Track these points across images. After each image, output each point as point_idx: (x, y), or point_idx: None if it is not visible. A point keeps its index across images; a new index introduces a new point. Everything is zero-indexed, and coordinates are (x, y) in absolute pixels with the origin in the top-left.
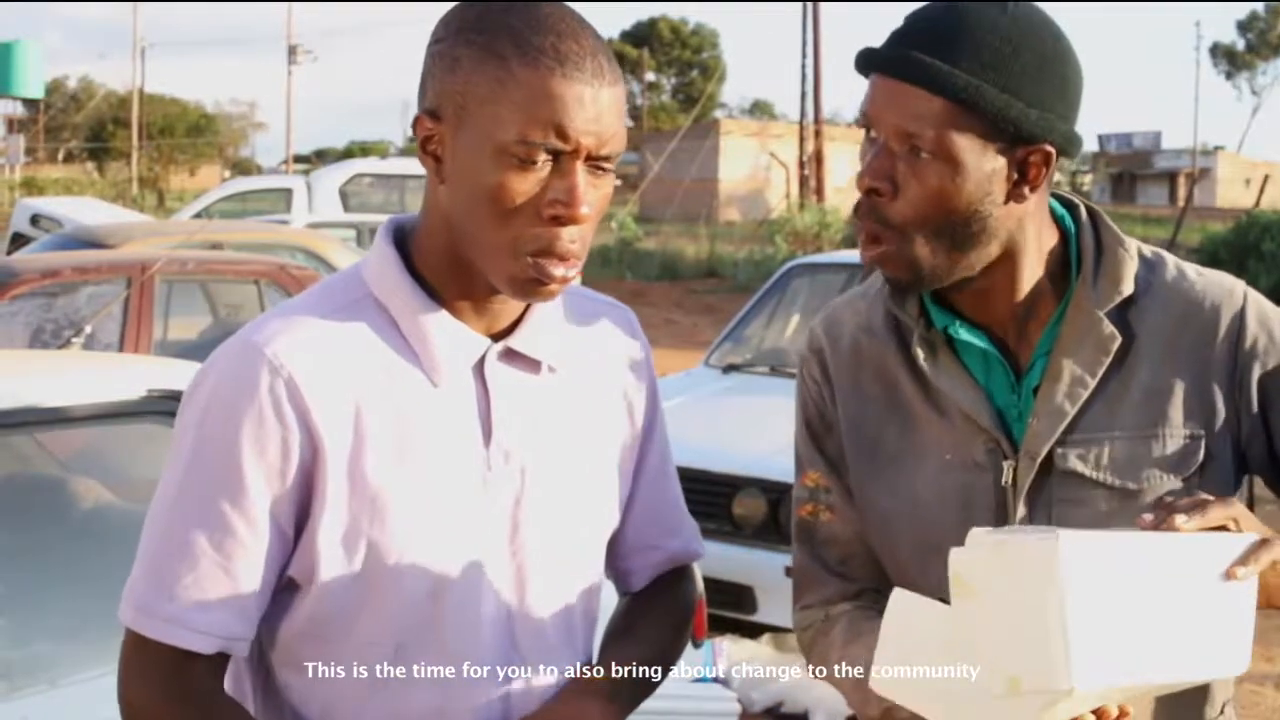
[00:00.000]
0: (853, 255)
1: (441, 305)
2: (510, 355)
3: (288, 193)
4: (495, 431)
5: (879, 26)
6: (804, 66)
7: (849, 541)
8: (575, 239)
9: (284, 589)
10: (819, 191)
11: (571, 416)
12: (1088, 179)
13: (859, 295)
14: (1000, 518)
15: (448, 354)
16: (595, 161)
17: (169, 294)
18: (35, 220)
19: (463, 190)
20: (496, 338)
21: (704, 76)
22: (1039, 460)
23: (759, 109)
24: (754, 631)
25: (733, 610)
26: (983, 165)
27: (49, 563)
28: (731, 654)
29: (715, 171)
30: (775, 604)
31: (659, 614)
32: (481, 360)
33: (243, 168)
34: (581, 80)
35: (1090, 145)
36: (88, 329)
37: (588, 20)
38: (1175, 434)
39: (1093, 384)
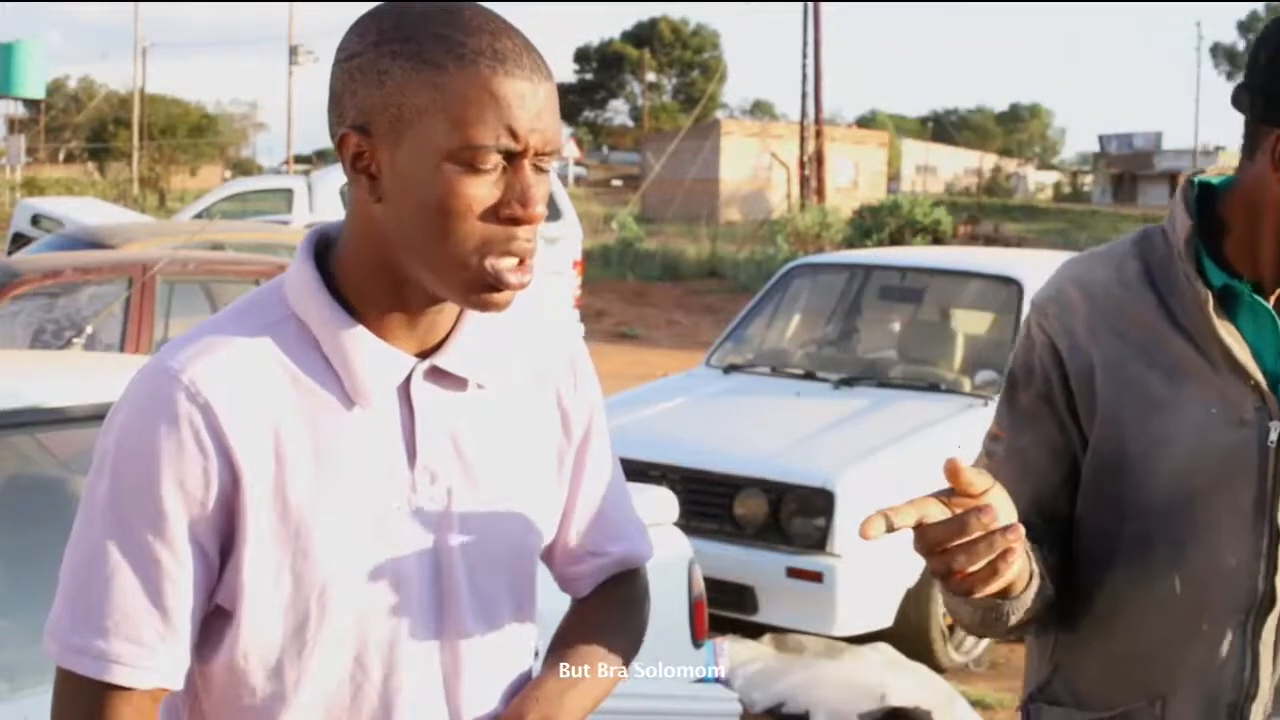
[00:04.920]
0: (854, 255)
1: (364, 324)
2: (436, 373)
3: (289, 193)
4: (420, 453)
5: (880, 27)
6: (805, 67)
7: (1031, 491)
8: (530, 238)
9: (213, 617)
10: (820, 192)
11: (500, 432)
12: (1089, 179)
13: (1105, 253)
14: (1262, 478)
15: (370, 375)
16: (537, 159)
17: (170, 294)
18: (36, 220)
19: (407, 204)
20: (423, 355)
21: (705, 77)
22: None
23: (760, 109)
24: (755, 632)
25: (734, 611)
26: None
27: (50, 564)
28: (733, 654)
29: (716, 172)
30: (776, 604)
31: (611, 619)
32: (407, 380)
33: (244, 168)
34: (522, 77)
35: (1091, 146)
36: (89, 329)
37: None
38: None
39: None
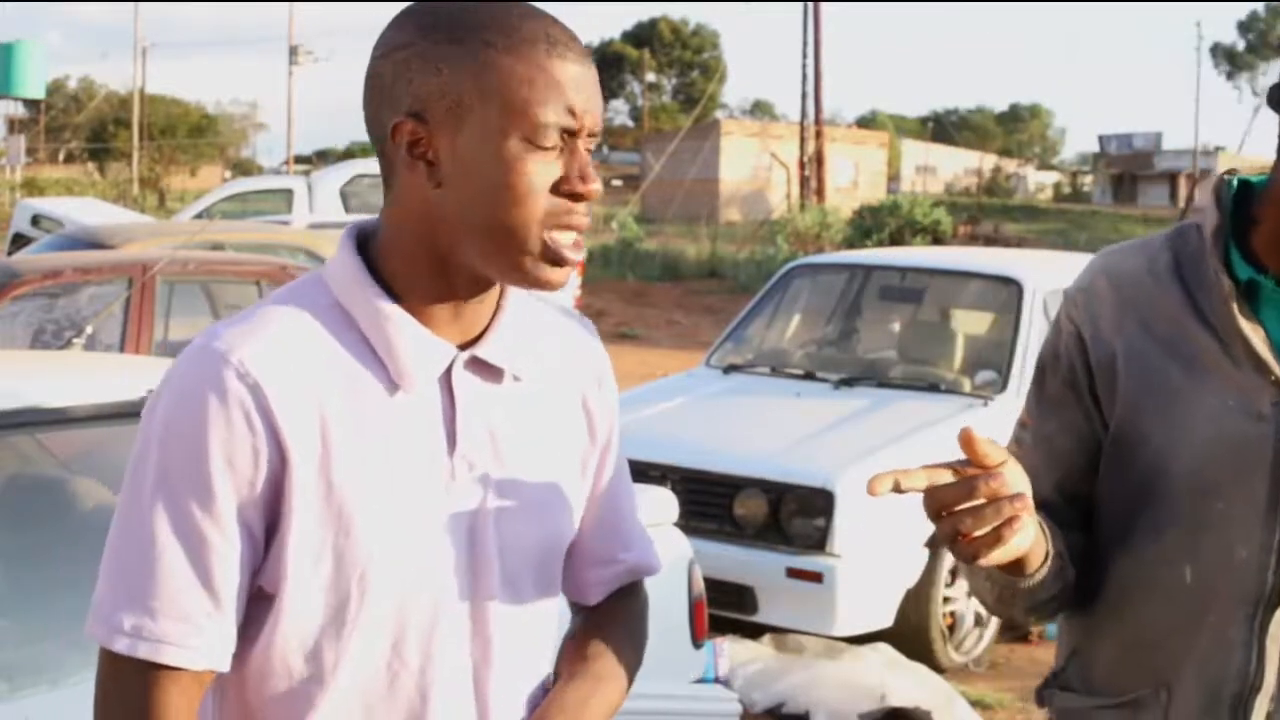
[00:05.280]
0: (854, 255)
1: (408, 312)
2: (475, 364)
3: (289, 193)
4: (459, 441)
5: (880, 27)
6: (804, 67)
7: (1054, 479)
8: (587, 214)
9: (253, 599)
10: (820, 192)
11: (533, 426)
12: (1088, 180)
13: (1139, 245)
14: (1275, 471)
15: (414, 361)
16: (587, 140)
17: (170, 294)
18: (36, 220)
19: (471, 186)
20: (463, 346)
21: (705, 77)
22: None
23: (760, 109)
24: (755, 632)
25: (734, 611)
26: None
27: (50, 564)
28: (733, 654)
29: (716, 172)
30: (776, 604)
31: (621, 631)
32: (448, 369)
33: (244, 168)
34: (575, 60)
35: (1091, 146)
36: (89, 329)
37: None
38: None
39: None
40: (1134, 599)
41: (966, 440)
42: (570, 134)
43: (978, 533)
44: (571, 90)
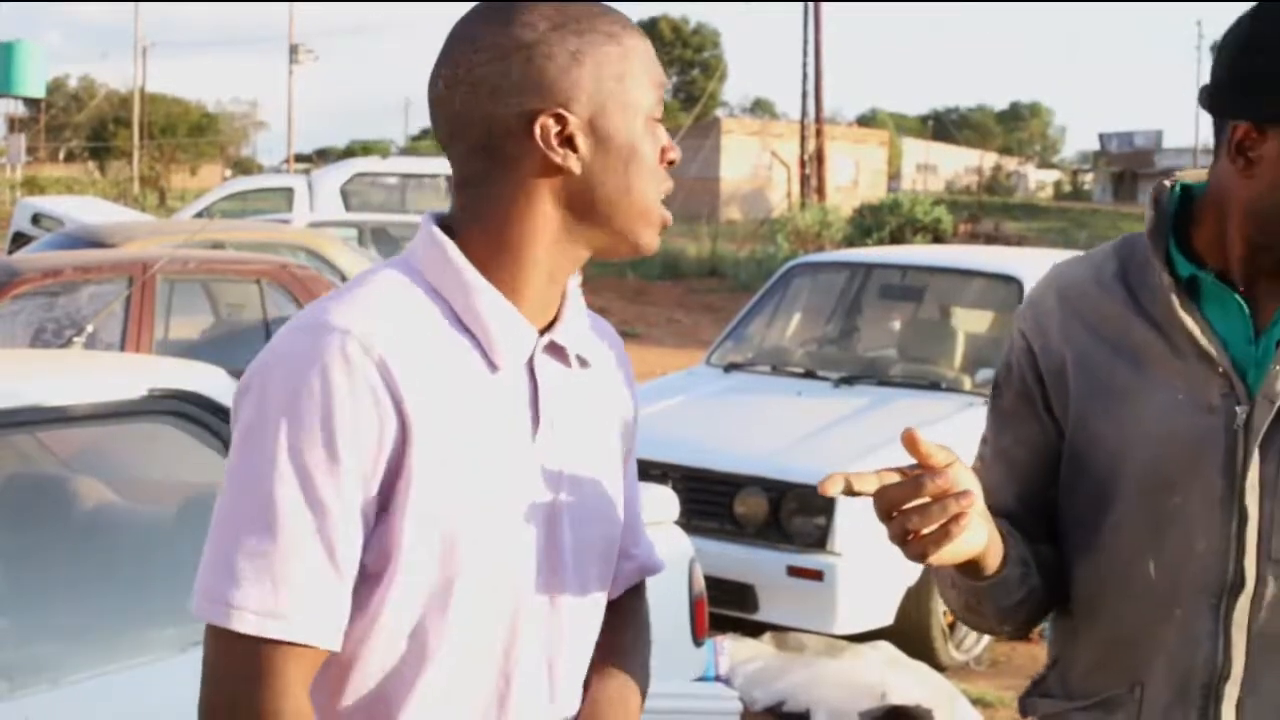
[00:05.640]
0: (854, 254)
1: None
2: (552, 348)
3: (289, 192)
4: (542, 424)
5: (880, 25)
6: (805, 65)
7: (986, 491)
8: None
9: (359, 578)
10: (820, 190)
11: (595, 414)
12: (1089, 178)
13: (1087, 255)
14: (1230, 462)
15: (507, 343)
16: None
17: (170, 293)
18: (36, 219)
19: (615, 163)
20: (540, 331)
21: (705, 75)
22: (1277, 405)
23: (760, 108)
24: (755, 630)
25: (734, 609)
26: None
27: (51, 562)
28: (733, 653)
29: (717, 170)
30: (777, 603)
31: (640, 631)
32: (532, 353)
33: (244, 167)
34: (649, 41)
35: (1091, 144)
36: (89, 328)
37: None
38: None
39: None
40: (1103, 600)
41: (910, 441)
42: (662, 104)
43: (925, 530)
44: (657, 65)
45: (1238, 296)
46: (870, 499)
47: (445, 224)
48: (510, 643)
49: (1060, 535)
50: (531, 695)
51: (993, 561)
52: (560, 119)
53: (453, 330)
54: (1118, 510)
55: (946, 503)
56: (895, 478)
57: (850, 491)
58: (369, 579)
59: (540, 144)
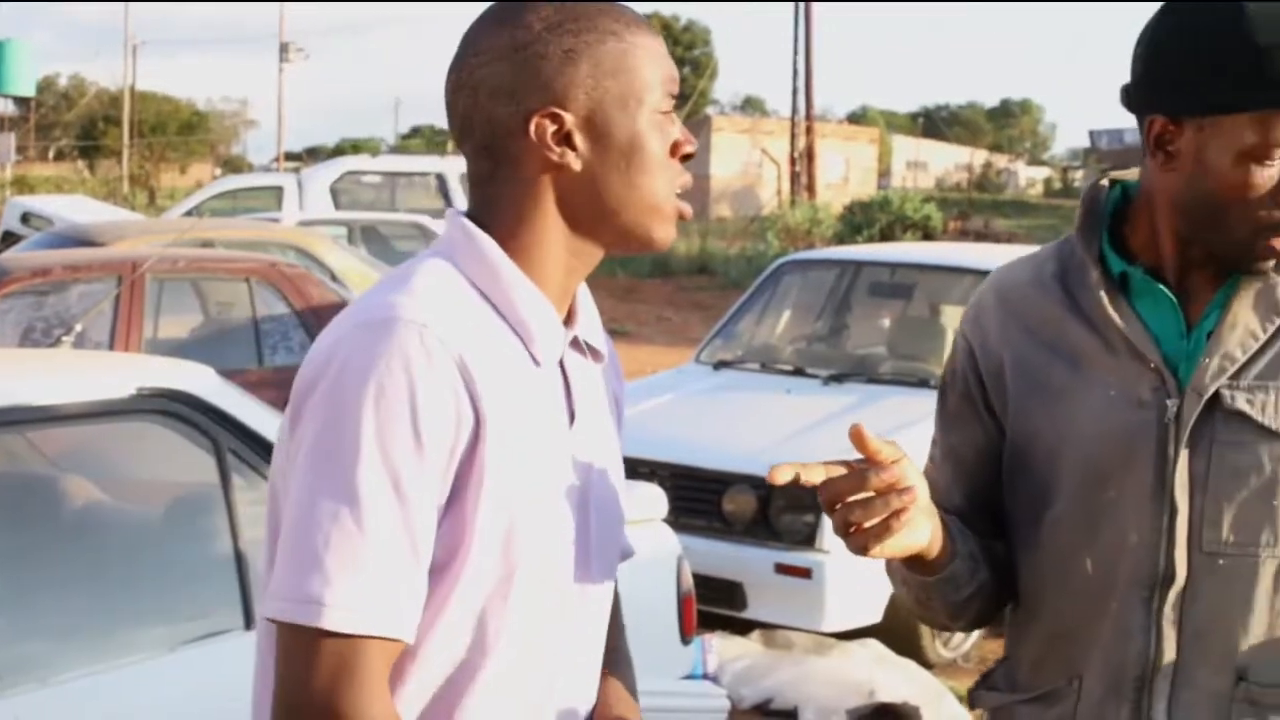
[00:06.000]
0: (844, 251)
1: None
2: (575, 343)
3: (279, 190)
4: (577, 416)
5: (871, 23)
6: (795, 63)
7: (936, 490)
8: None
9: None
10: (810, 188)
11: (606, 404)
12: (1079, 175)
13: (1028, 257)
14: (1161, 456)
15: (545, 336)
16: None
17: (160, 292)
18: (26, 218)
19: (616, 161)
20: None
21: (696, 73)
22: (1205, 398)
23: (751, 105)
24: (744, 628)
25: (723, 607)
26: None
27: (39, 562)
28: (721, 650)
29: (707, 168)
30: (765, 600)
31: (620, 622)
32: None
33: (234, 165)
34: (660, 35)
35: (1081, 141)
36: (78, 327)
37: None
38: None
39: (1264, 337)
40: (1044, 594)
41: (857, 437)
42: (672, 98)
43: (867, 524)
44: (668, 60)
45: (1167, 291)
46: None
47: (472, 220)
48: (558, 632)
49: (1006, 532)
50: (575, 683)
51: (939, 557)
52: (556, 118)
53: (500, 324)
54: (1056, 506)
55: (889, 498)
56: (841, 470)
57: (797, 482)
58: (436, 571)
59: (538, 143)
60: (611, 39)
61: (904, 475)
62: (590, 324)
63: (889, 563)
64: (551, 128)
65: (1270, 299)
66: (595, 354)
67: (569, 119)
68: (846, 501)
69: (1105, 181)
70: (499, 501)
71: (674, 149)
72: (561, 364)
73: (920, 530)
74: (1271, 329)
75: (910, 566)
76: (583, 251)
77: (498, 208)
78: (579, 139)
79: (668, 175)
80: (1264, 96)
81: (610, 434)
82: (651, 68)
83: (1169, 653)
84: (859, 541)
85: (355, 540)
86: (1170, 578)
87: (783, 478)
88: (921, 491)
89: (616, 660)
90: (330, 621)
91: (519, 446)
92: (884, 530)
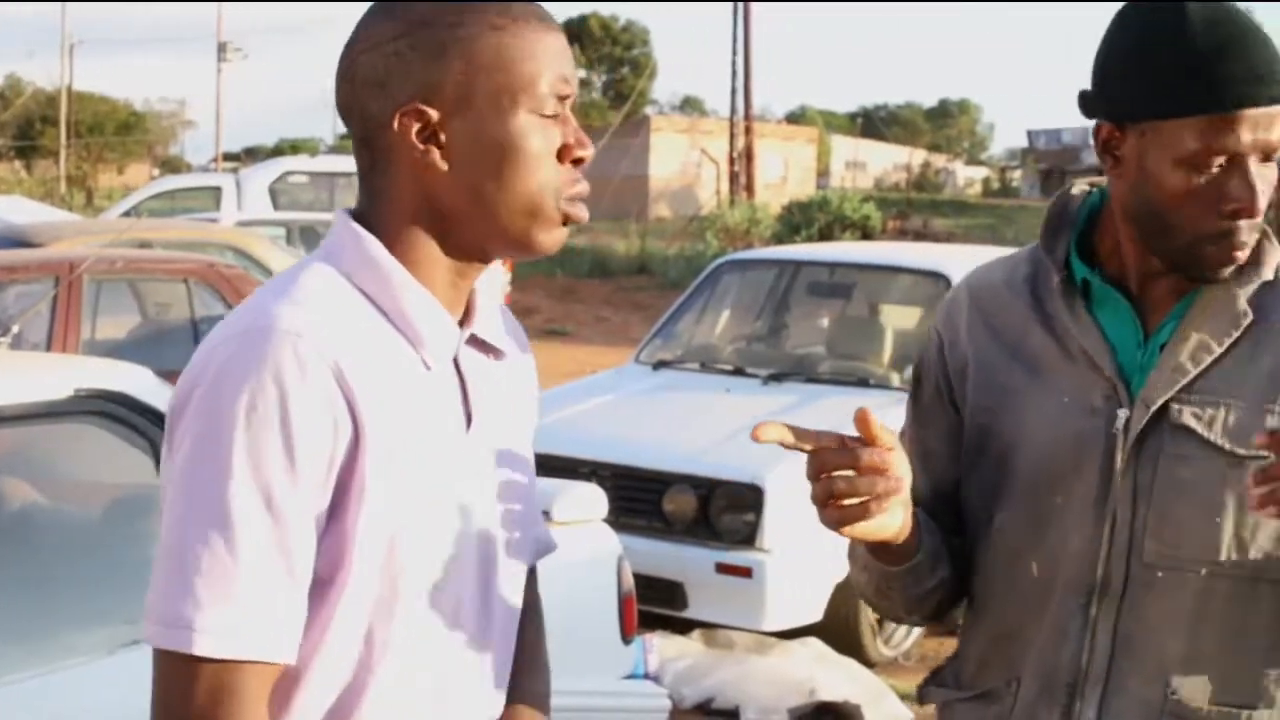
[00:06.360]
0: (783, 251)
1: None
2: (473, 341)
3: (217, 191)
4: (474, 420)
5: (810, 23)
6: (734, 63)
7: (925, 482)
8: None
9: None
10: (749, 188)
11: (511, 403)
12: (1017, 175)
13: (1005, 259)
14: (1107, 465)
15: (438, 340)
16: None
17: (97, 293)
18: None
19: (486, 161)
20: (459, 325)
21: (635, 73)
22: (1153, 409)
23: (690, 105)
24: (684, 627)
25: (663, 606)
26: None
27: None
28: (662, 650)
29: (646, 168)
30: (705, 600)
31: (540, 617)
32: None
33: (172, 166)
34: (558, 32)
35: (1019, 141)
36: (15, 328)
37: None
38: None
39: (1218, 351)
40: (991, 594)
41: (862, 420)
42: (562, 100)
43: (848, 501)
44: (561, 60)
45: (1125, 300)
46: (803, 495)
47: (359, 218)
48: (452, 641)
49: (963, 529)
50: (474, 695)
51: (906, 549)
52: (421, 114)
53: (387, 328)
54: (1005, 508)
55: (875, 479)
56: (834, 443)
57: (786, 442)
58: (319, 585)
59: (403, 140)
60: (492, 32)
61: (896, 464)
62: (489, 321)
63: (853, 548)
64: (416, 124)
65: (1229, 312)
66: (497, 351)
67: (435, 115)
68: (832, 474)
69: (1080, 189)
70: (382, 514)
71: (563, 152)
72: (457, 365)
73: (895, 519)
74: (1227, 343)
75: (876, 554)
76: (465, 251)
77: (380, 204)
78: (446, 137)
79: (548, 177)
80: (1200, 101)
81: (515, 431)
82: (536, 64)
83: (1101, 659)
84: (835, 515)
85: (226, 562)
86: (1107, 586)
87: (767, 435)
88: (907, 483)
89: (529, 665)
90: (202, 647)
91: (405, 456)
92: (863, 511)
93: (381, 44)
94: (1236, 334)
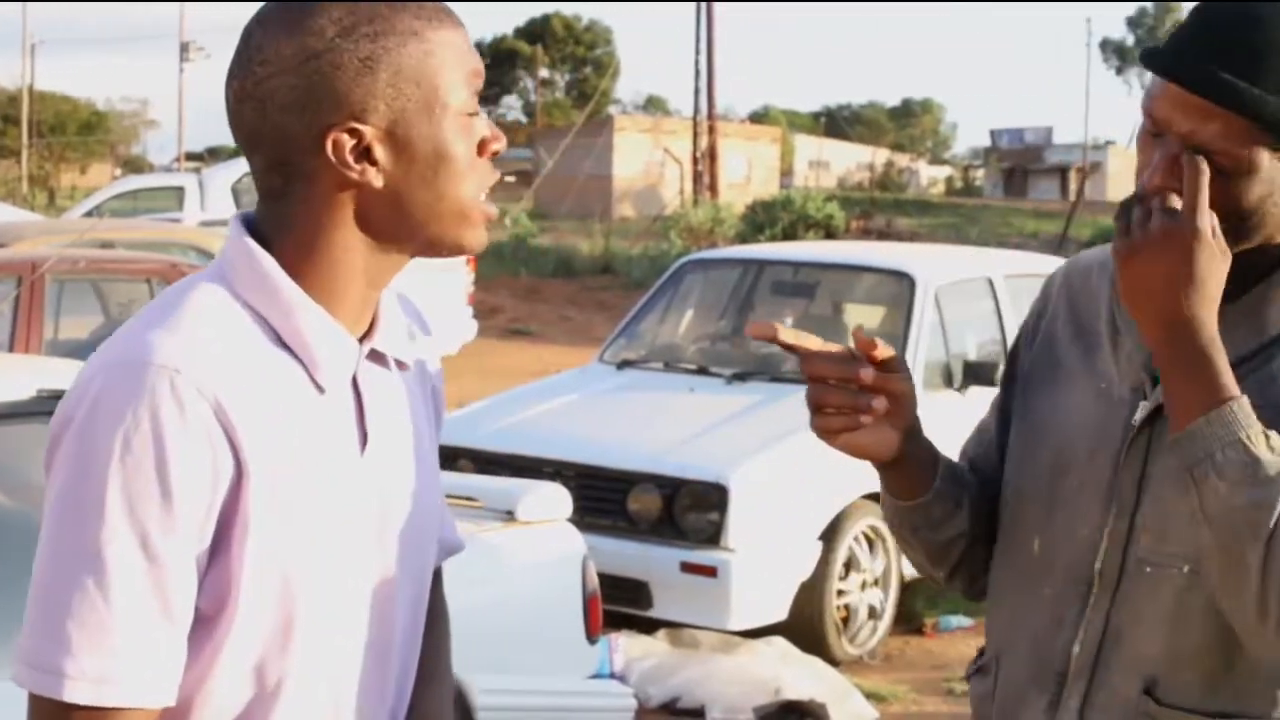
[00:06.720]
0: (747, 250)
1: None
2: (373, 355)
3: (180, 191)
4: (370, 439)
5: (773, 22)
6: (698, 63)
7: (977, 443)
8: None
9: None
10: (713, 187)
11: (413, 415)
12: (980, 174)
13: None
14: (1119, 456)
15: (334, 362)
16: None
17: (60, 293)
18: None
19: (420, 170)
20: (360, 340)
21: (598, 73)
22: (1158, 403)
23: (653, 105)
24: (650, 627)
25: (628, 606)
26: (1274, 174)
27: None
28: (627, 650)
29: (609, 168)
30: (671, 599)
31: (445, 622)
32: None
33: (134, 165)
34: (461, 26)
35: (982, 141)
36: None
37: None
38: None
39: (1240, 353)
40: (1001, 569)
41: (859, 334)
42: (476, 95)
43: (834, 403)
44: (472, 54)
45: None
46: (767, 494)
47: (256, 228)
48: (348, 666)
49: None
50: (370, 716)
51: (915, 484)
52: (354, 133)
53: (276, 352)
54: (1025, 479)
55: (861, 394)
56: (838, 352)
57: (785, 343)
58: (205, 622)
59: (335, 161)
60: (413, 41)
61: (894, 384)
62: (393, 333)
63: (884, 495)
64: (350, 143)
65: (1259, 318)
66: (400, 364)
67: (369, 133)
68: (829, 382)
69: None
70: (269, 551)
71: (481, 147)
72: (356, 383)
73: (887, 438)
74: (1252, 347)
75: (888, 488)
76: (386, 262)
77: (289, 225)
78: (380, 153)
79: (476, 179)
80: (1145, 53)
81: (417, 446)
82: (455, 67)
83: (1089, 651)
84: (823, 425)
85: (100, 606)
86: (1104, 577)
87: (763, 332)
88: (909, 407)
89: (429, 677)
90: (73, 694)
91: (292, 487)
92: (852, 422)
93: (298, 63)
94: (1260, 341)
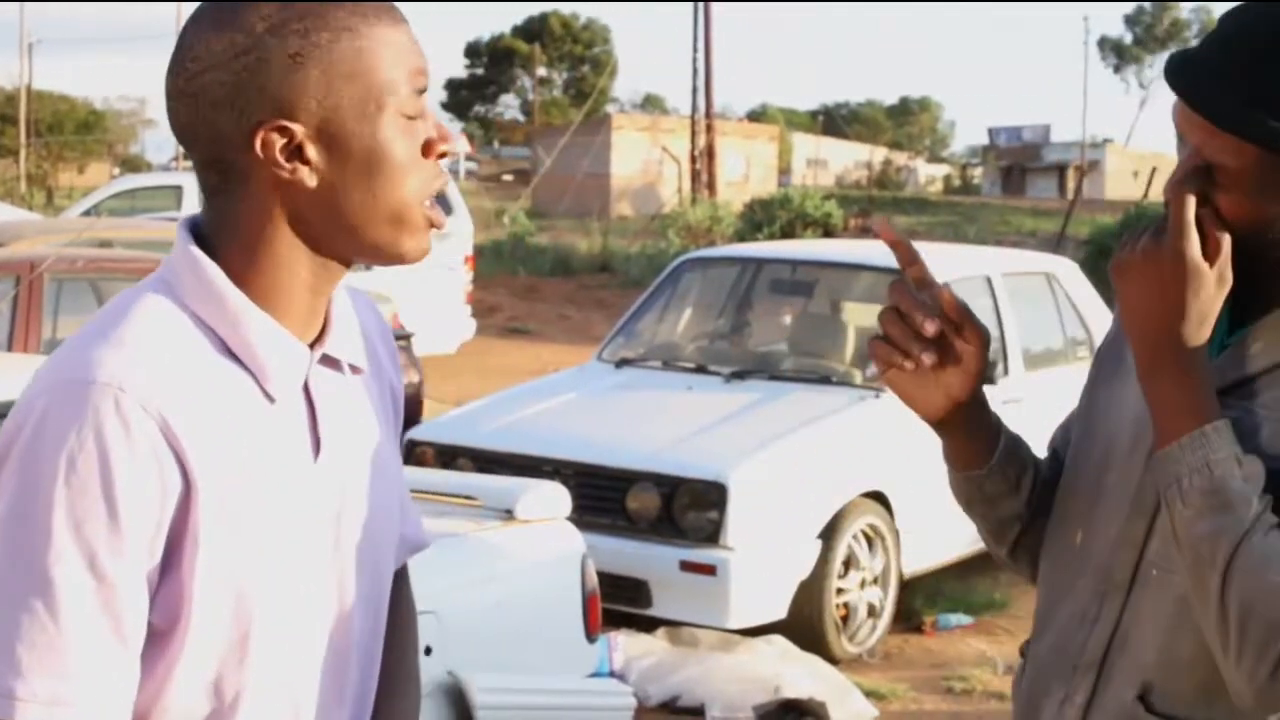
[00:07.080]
0: (745, 249)
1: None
2: (325, 360)
3: (178, 190)
4: (323, 446)
5: (771, 20)
6: (695, 61)
7: (1062, 431)
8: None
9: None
10: (711, 186)
11: (369, 417)
12: (978, 172)
13: None
14: (1149, 455)
15: (284, 370)
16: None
17: (58, 292)
18: None
19: (355, 170)
20: (311, 345)
21: (596, 72)
22: None
23: (651, 103)
24: (649, 626)
25: (628, 605)
26: None
27: None
28: (627, 648)
29: (607, 166)
30: (670, 598)
31: (412, 625)
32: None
33: (132, 165)
34: (405, 23)
35: (980, 139)
36: None
37: None
38: None
39: (1267, 363)
40: (1046, 554)
41: (946, 298)
42: (420, 94)
43: (893, 334)
44: (415, 53)
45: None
46: (766, 492)
47: (202, 233)
48: (306, 675)
49: None
50: (327, 718)
51: (967, 452)
52: (284, 130)
53: (224, 362)
54: (1078, 473)
55: (928, 344)
56: (925, 293)
57: (893, 240)
58: (158, 638)
59: (265, 159)
60: (346, 36)
61: (961, 346)
62: (345, 337)
63: (950, 469)
64: (280, 141)
65: None
66: (353, 368)
67: (299, 131)
68: (899, 315)
69: None
70: (221, 564)
71: (427, 149)
72: (308, 389)
73: (931, 401)
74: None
75: (945, 453)
76: (328, 267)
77: (229, 226)
78: (312, 152)
79: (417, 182)
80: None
81: (375, 442)
82: (393, 65)
83: (1098, 650)
84: (876, 350)
85: (49, 628)
86: (1120, 576)
87: (877, 226)
88: (965, 375)
89: (394, 681)
90: (24, 716)
91: (244, 500)
92: (901, 359)
93: (227, 59)
94: None
